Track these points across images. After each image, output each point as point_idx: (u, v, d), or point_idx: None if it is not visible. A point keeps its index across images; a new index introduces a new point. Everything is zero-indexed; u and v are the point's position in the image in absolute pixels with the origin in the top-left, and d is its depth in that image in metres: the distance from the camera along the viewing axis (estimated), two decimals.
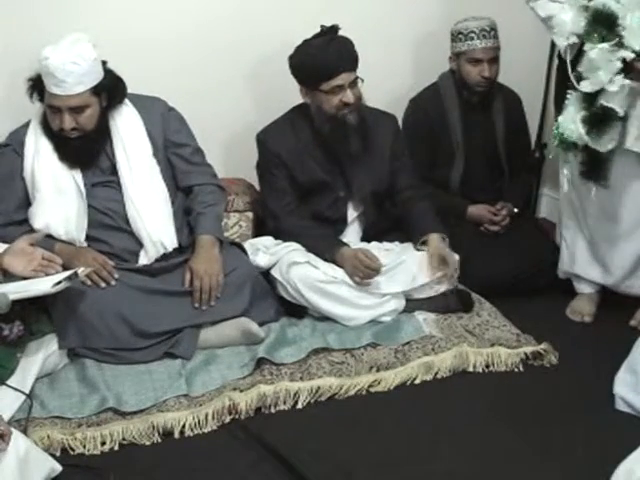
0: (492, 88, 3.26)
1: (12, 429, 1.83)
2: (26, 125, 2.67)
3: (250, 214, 3.17)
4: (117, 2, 3.00)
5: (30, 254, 2.31)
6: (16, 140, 2.65)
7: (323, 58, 2.72)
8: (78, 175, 2.64)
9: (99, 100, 2.59)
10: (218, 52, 3.18)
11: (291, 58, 2.82)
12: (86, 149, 2.62)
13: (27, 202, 2.64)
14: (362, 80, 2.81)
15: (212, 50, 3.17)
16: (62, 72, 2.46)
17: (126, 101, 2.70)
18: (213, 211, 2.77)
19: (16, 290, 2.24)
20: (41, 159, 2.61)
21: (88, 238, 2.64)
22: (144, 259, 2.67)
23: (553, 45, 3.62)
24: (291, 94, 2.99)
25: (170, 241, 2.69)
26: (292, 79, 2.99)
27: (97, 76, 2.55)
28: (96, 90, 2.55)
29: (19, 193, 2.64)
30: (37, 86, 2.56)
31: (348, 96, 2.75)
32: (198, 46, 3.14)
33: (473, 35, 3.12)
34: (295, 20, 3.20)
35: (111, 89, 2.62)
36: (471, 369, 2.58)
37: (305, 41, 2.80)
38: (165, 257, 2.70)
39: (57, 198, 2.61)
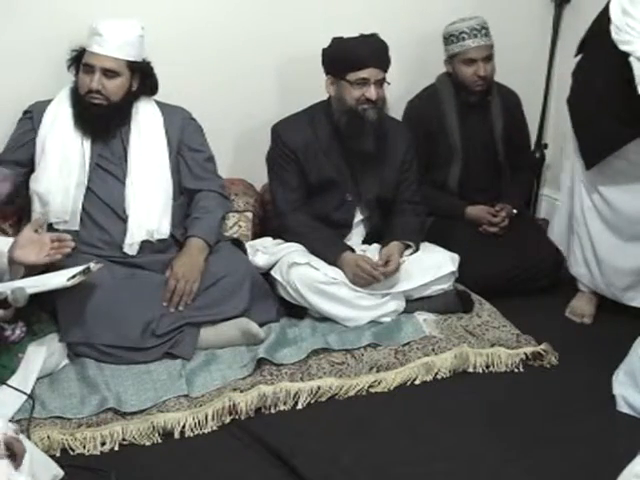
0: (490, 88, 3.25)
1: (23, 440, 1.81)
2: (52, 99, 2.75)
3: (250, 214, 3.16)
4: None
5: (38, 241, 2.33)
6: (38, 108, 2.74)
7: (356, 49, 2.78)
8: (87, 148, 2.69)
9: (131, 77, 2.69)
10: (224, 53, 3.19)
11: (326, 48, 2.85)
12: (103, 120, 2.68)
13: (26, 162, 2.71)
14: (388, 83, 2.83)
15: (218, 51, 3.17)
16: (108, 32, 2.61)
17: (152, 101, 2.78)
18: (210, 217, 2.78)
19: (33, 284, 2.25)
20: (56, 125, 2.69)
21: (87, 225, 2.66)
22: (128, 239, 2.66)
23: (553, 45, 3.64)
24: (298, 98, 3.00)
25: (157, 230, 2.70)
26: (300, 83, 3.00)
27: (137, 54, 2.69)
28: (131, 66, 2.67)
29: (29, 154, 2.70)
30: (78, 58, 2.68)
31: (371, 92, 2.77)
32: (201, 47, 3.14)
33: (464, 35, 3.12)
34: (298, 22, 3.21)
35: (145, 75, 2.73)
36: (471, 369, 2.58)
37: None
38: (165, 250, 2.72)
39: (61, 165, 2.66)
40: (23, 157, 2.72)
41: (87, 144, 2.69)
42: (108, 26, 2.62)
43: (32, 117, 2.72)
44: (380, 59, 2.79)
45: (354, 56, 2.76)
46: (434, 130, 3.24)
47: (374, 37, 2.82)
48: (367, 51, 2.76)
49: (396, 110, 3.29)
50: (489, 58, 3.16)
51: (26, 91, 2.82)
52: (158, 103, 2.82)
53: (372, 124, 2.81)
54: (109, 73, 2.63)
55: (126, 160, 2.72)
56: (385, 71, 2.81)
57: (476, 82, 3.17)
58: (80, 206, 2.66)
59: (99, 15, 2.71)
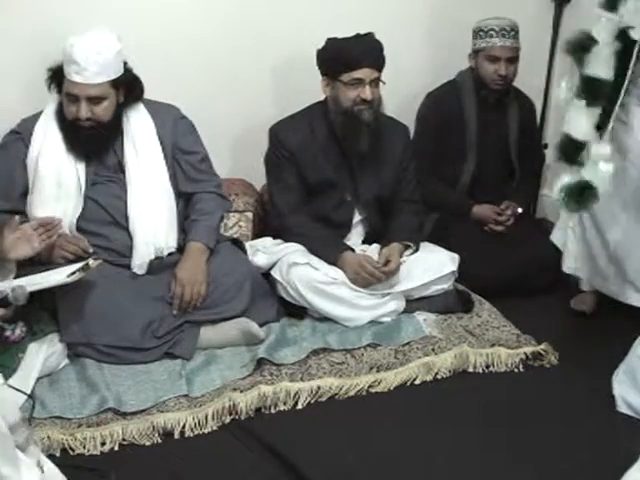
0: (509, 90, 3.26)
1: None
2: (39, 114, 2.69)
3: (250, 214, 3.17)
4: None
5: (22, 236, 2.35)
6: (26, 128, 2.67)
7: (349, 49, 2.76)
8: (82, 169, 2.64)
9: (116, 94, 2.61)
10: (224, 54, 3.19)
11: (320, 50, 2.84)
12: (97, 142, 2.63)
13: (27, 190, 2.66)
14: (384, 83, 2.83)
15: (218, 52, 3.18)
16: (85, 60, 2.49)
17: (140, 105, 2.72)
18: (209, 219, 2.75)
19: (33, 282, 2.26)
20: (47, 148, 2.62)
21: (87, 232, 2.64)
22: (136, 259, 2.63)
23: (553, 45, 3.64)
24: (297, 97, 3.00)
25: (166, 245, 2.67)
26: (299, 82, 2.99)
27: (118, 69, 2.59)
28: (115, 83, 2.58)
29: (22, 181, 2.65)
30: (56, 77, 2.59)
31: (366, 92, 2.76)
32: (201, 48, 3.15)
33: (493, 33, 3.14)
34: (299, 22, 3.21)
35: (129, 86, 2.65)
36: (471, 369, 2.58)
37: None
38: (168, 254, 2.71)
39: (57, 190, 2.62)
40: (22, 178, 2.64)
41: (81, 166, 2.64)
42: (83, 52, 2.48)
43: (22, 138, 2.65)
44: (374, 58, 2.77)
45: (347, 56, 2.75)
46: (450, 124, 3.25)
47: (368, 37, 2.81)
48: (360, 51, 2.75)
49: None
50: (512, 60, 3.18)
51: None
52: (146, 103, 2.74)
53: (368, 125, 2.81)
54: (95, 99, 2.54)
55: (122, 170, 2.67)
56: (380, 70, 2.80)
57: (495, 81, 3.19)
58: (75, 225, 2.62)
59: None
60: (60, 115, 2.63)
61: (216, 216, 2.80)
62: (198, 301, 2.61)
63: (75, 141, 2.62)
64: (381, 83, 2.83)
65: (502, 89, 3.22)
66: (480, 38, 3.18)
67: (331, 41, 2.82)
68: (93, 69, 2.50)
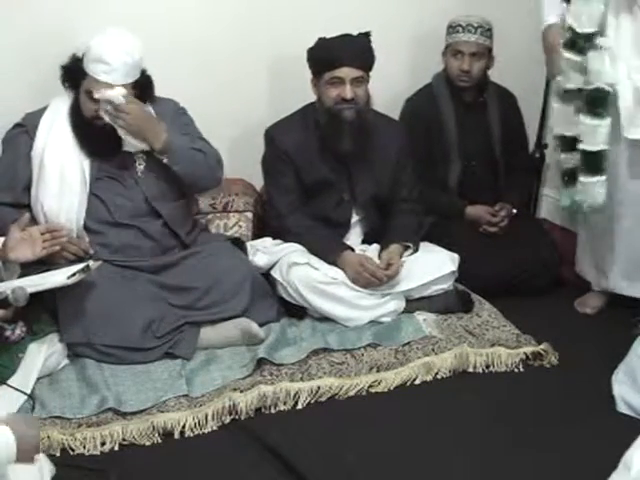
0: (483, 87, 3.25)
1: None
2: (44, 109, 2.69)
3: (250, 214, 3.17)
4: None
5: (29, 237, 2.34)
6: (31, 122, 2.67)
7: (330, 48, 2.78)
8: (87, 165, 2.65)
9: (134, 94, 2.62)
10: (222, 54, 3.19)
11: (308, 49, 2.85)
12: (112, 140, 2.63)
13: (31, 184, 2.66)
14: (367, 81, 2.82)
15: (216, 52, 3.18)
16: (117, 61, 2.51)
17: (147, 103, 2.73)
18: (191, 144, 2.70)
19: (33, 283, 2.26)
20: (53, 142, 2.63)
21: (91, 231, 2.64)
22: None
23: None
24: (295, 97, 2.99)
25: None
26: (297, 82, 3.00)
27: (139, 71, 2.62)
28: (135, 84, 2.61)
29: (26, 174, 2.65)
30: (72, 74, 2.60)
31: (346, 91, 2.76)
32: (199, 48, 3.15)
33: (459, 28, 3.15)
34: (298, 22, 3.21)
35: (144, 87, 2.67)
36: (471, 369, 2.58)
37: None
38: (168, 252, 2.71)
39: (60, 184, 2.62)
40: (27, 172, 2.64)
41: (86, 162, 2.64)
42: (114, 54, 2.51)
43: (27, 131, 2.66)
44: (355, 57, 2.76)
45: (328, 55, 2.77)
46: (431, 128, 3.24)
47: (354, 36, 2.80)
48: (340, 50, 2.75)
49: (396, 108, 3.29)
50: (477, 56, 3.16)
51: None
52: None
53: (351, 124, 2.80)
54: None
55: (126, 167, 2.68)
56: (365, 70, 2.79)
57: (460, 76, 3.18)
58: (82, 221, 2.63)
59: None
60: (75, 112, 2.64)
61: (199, 152, 2.71)
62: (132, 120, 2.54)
63: (90, 139, 2.63)
64: (365, 82, 2.80)
65: (467, 86, 3.21)
66: (448, 34, 3.19)
67: (318, 41, 2.83)
68: (122, 70, 2.53)
